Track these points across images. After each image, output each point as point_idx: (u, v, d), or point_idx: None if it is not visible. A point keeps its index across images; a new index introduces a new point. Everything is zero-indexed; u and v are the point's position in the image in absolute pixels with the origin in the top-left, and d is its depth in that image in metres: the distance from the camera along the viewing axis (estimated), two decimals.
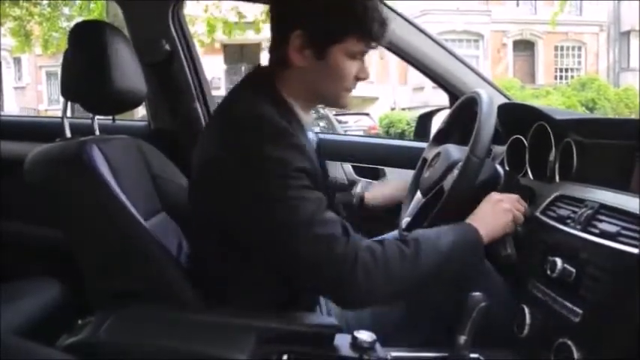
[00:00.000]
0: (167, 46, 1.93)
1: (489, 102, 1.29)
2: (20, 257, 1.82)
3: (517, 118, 1.52)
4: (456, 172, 1.28)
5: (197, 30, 8.09)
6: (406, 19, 1.79)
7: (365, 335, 1.04)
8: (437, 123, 1.71)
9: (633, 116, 13.42)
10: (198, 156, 1.15)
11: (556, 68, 20.13)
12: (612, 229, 1.00)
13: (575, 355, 0.99)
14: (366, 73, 1.17)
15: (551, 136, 1.36)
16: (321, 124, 9.05)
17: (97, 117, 1.43)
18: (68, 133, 1.32)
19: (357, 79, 1.16)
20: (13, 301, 1.41)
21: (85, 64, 1.26)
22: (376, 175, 2.09)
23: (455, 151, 1.37)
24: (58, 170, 1.19)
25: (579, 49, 20.30)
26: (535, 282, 1.16)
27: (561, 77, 19.83)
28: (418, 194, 1.46)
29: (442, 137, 1.53)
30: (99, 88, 1.26)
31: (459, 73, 1.81)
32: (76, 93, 1.31)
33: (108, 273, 1.18)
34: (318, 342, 1.07)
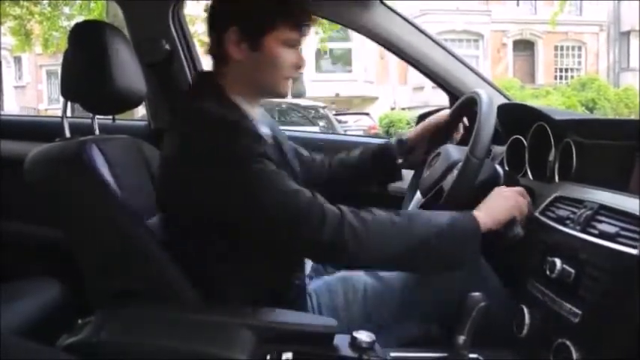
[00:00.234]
0: (167, 46, 1.93)
1: (489, 102, 1.29)
2: (20, 257, 1.82)
3: (517, 118, 1.52)
4: (455, 172, 1.28)
5: (197, 30, 8.08)
6: (406, 19, 1.79)
7: (364, 335, 1.04)
8: None
9: (633, 116, 13.44)
10: (162, 163, 1.22)
11: (556, 68, 20.11)
12: (611, 229, 1.00)
13: (574, 355, 0.99)
14: (303, 60, 1.24)
15: (551, 137, 1.37)
16: (321, 123, 9.06)
17: (97, 117, 1.43)
18: (67, 133, 1.32)
19: (296, 67, 1.23)
20: (14, 301, 1.41)
21: (85, 64, 1.26)
22: None
23: (454, 151, 1.37)
24: (58, 170, 1.19)
25: (579, 49, 20.29)
26: (534, 282, 1.16)
27: (561, 77, 19.80)
28: (418, 194, 1.46)
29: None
30: (99, 88, 1.26)
31: (459, 73, 1.81)
32: (76, 93, 1.31)
33: (108, 273, 1.18)
34: (318, 342, 1.07)
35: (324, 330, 1.09)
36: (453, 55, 1.82)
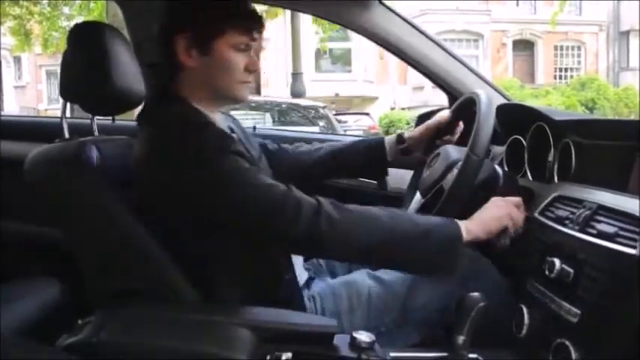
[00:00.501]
0: None
1: (488, 102, 1.30)
2: (20, 257, 1.82)
3: (516, 118, 1.52)
4: (455, 171, 1.28)
5: None
6: (405, 19, 1.79)
7: (364, 335, 1.04)
8: None
9: (633, 116, 13.45)
10: (135, 169, 1.21)
11: (556, 68, 20.11)
12: (610, 229, 1.00)
13: (573, 355, 0.99)
14: (256, 64, 1.24)
15: (550, 137, 1.37)
16: (321, 123, 9.04)
17: (96, 117, 1.43)
18: (67, 134, 1.32)
19: (248, 71, 1.23)
20: (14, 301, 1.41)
21: (84, 64, 1.26)
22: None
23: (454, 151, 1.38)
24: (57, 170, 1.19)
25: (579, 48, 20.28)
26: (533, 282, 1.17)
27: (561, 77, 19.79)
28: (417, 194, 1.46)
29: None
30: (98, 88, 1.26)
31: (458, 73, 1.81)
32: (76, 94, 1.31)
33: (108, 273, 1.19)
34: (317, 342, 1.07)
35: (323, 330, 1.09)
36: (453, 56, 1.82)
